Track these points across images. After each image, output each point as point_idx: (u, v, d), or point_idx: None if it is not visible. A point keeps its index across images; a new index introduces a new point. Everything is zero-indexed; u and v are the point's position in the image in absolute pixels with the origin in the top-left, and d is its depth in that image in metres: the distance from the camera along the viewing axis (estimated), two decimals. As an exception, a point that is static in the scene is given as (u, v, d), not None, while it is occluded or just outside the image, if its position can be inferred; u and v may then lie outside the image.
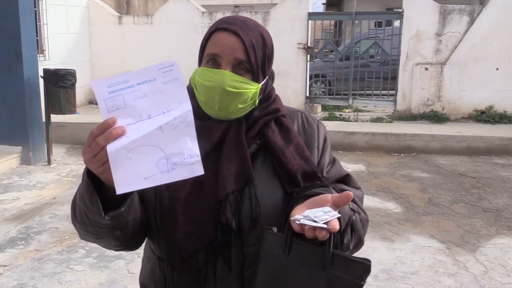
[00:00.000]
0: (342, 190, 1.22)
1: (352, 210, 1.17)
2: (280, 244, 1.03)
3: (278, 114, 1.24)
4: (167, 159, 0.96)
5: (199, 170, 0.98)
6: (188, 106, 0.98)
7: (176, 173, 0.97)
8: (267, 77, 1.24)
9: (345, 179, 1.30)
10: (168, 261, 1.18)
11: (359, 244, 1.19)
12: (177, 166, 0.97)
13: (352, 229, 1.14)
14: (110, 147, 0.94)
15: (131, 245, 1.21)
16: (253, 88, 1.18)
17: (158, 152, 0.96)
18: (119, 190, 0.96)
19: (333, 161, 1.31)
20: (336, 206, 1.00)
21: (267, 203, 1.16)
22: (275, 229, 1.06)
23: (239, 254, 1.15)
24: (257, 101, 1.20)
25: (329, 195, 1.02)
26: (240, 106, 1.17)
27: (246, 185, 1.16)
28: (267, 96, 1.25)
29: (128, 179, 0.95)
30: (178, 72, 0.98)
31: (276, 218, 1.13)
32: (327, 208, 0.98)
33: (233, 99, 1.15)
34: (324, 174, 1.24)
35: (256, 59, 1.17)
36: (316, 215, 0.96)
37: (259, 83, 1.20)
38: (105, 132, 0.95)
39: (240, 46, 1.15)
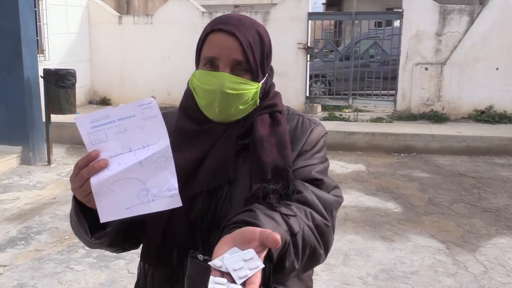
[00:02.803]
0: (298, 192, 1.11)
1: (301, 221, 1.04)
2: (204, 274, 0.91)
3: (274, 109, 1.22)
4: (147, 191, 1.02)
5: (177, 202, 1.03)
6: (166, 142, 1.02)
7: (156, 204, 1.02)
8: (267, 74, 1.22)
9: (314, 183, 1.15)
10: (142, 257, 1.21)
11: (314, 256, 1.08)
12: (157, 198, 1.02)
13: (297, 245, 1.01)
14: (94, 180, 1.00)
15: (129, 248, 1.25)
16: (253, 88, 1.16)
17: (139, 184, 1.02)
18: (102, 219, 1.02)
19: (312, 164, 1.18)
20: (263, 246, 0.86)
21: (237, 205, 1.13)
22: (201, 257, 0.99)
23: (205, 253, 1.12)
24: (258, 100, 1.19)
25: (257, 231, 0.87)
26: (241, 107, 1.16)
27: (225, 184, 1.14)
28: (266, 93, 1.23)
29: (110, 209, 1.02)
30: (156, 109, 1.02)
31: None
32: (250, 254, 0.84)
33: (233, 101, 1.14)
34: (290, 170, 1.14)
35: (255, 58, 1.15)
36: (235, 267, 0.82)
37: (259, 82, 1.18)
38: (88, 164, 1.00)
39: (237, 46, 1.13)
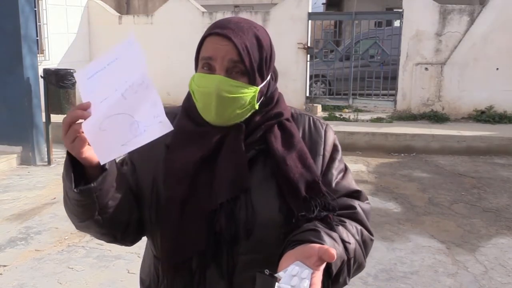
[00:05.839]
0: (345, 207, 1.19)
1: (353, 237, 1.14)
2: (270, 285, 0.98)
3: (281, 119, 1.20)
4: (138, 123, 1.03)
5: (168, 127, 1.03)
6: (142, 69, 1.03)
7: (148, 134, 1.03)
8: (268, 78, 1.20)
9: (354, 195, 1.24)
10: (161, 265, 1.18)
11: (359, 269, 1.20)
12: (147, 127, 1.03)
13: (349, 265, 1.12)
14: (85, 125, 1.02)
15: (121, 238, 1.21)
16: (250, 92, 1.14)
17: (128, 118, 1.03)
18: (102, 161, 1.04)
19: (344, 172, 1.26)
20: (321, 261, 0.95)
21: (262, 211, 1.13)
22: (267, 272, 1.01)
23: (229, 262, 1.13)
24: (257, 104, 1.17)
25: (316, 247, 0.96)
26: (238, 111, 1.14)
27: (241, 193, 1.13)
28: (269, 98, 1.21)
29: (107, 149, 1.03)
30: (135, 45, 1.05)
31: (272, 227, 1.12)
32: (305, 272, 0.94)
33: (229, 104, 1.12)
34: (333, 186, 1.20)
35: (251, 62, 1.13)
36: (292, 283, 0.93)
37: (257, 85, 1.16)
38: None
39: (232, 49, 1.12)
